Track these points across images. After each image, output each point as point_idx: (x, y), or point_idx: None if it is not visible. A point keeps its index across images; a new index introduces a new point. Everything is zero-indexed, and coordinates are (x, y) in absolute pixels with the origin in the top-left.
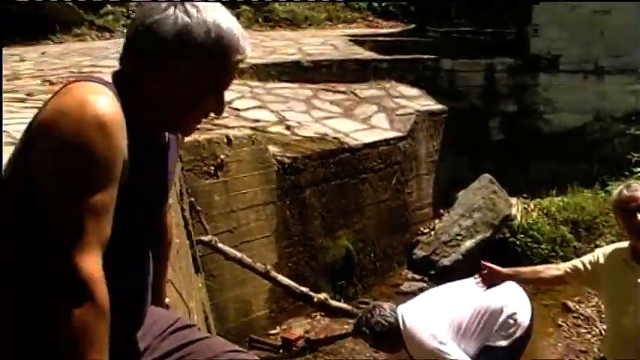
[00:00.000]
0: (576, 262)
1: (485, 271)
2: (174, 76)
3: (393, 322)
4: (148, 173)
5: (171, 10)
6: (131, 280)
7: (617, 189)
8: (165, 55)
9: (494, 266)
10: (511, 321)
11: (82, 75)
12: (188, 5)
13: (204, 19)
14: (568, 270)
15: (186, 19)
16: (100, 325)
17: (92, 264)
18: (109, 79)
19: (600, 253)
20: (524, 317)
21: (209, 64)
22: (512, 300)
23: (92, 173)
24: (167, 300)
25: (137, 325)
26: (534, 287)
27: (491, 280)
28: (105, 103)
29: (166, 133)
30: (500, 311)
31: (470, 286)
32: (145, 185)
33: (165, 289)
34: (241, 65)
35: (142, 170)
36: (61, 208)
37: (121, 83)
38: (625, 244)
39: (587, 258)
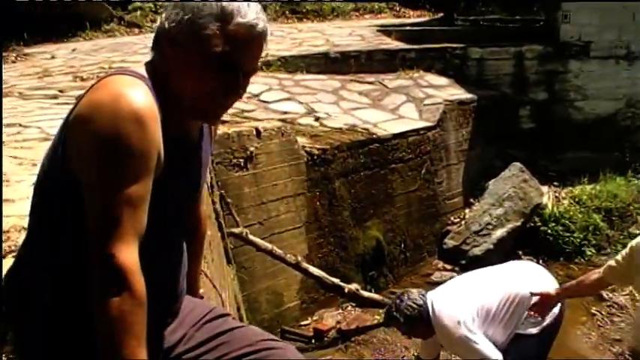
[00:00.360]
0: (611, 262)
1: (537, 299)
2: (179, 41)
3: (422, 306)
4: (182, 166)
5: None
6: (165, 271)
7: None
8: (169, 18)
9: (542, 291)
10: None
11: (117, 69)
12: None
13: None
14: (607, 270)
15: None
16: (137, 314)
17: (129, 254)
18: (143, 72)
19: (632, 246)
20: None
21: (207, 26)
22: (541, 286)
23: (128, 165)
24: (201, 290)
25: (173, 315)
26: (566, 275)
27: (545, 308)
28: (140, 96)
29: (200, 127)
30: (531, 298)
31: (499, 272)
32: (178, 178)
33: (199, 280)
34: (268, 58)
35: (176, 163)
36: (98, 200)
37: (153, 73)
38: None
39: (620, 255)
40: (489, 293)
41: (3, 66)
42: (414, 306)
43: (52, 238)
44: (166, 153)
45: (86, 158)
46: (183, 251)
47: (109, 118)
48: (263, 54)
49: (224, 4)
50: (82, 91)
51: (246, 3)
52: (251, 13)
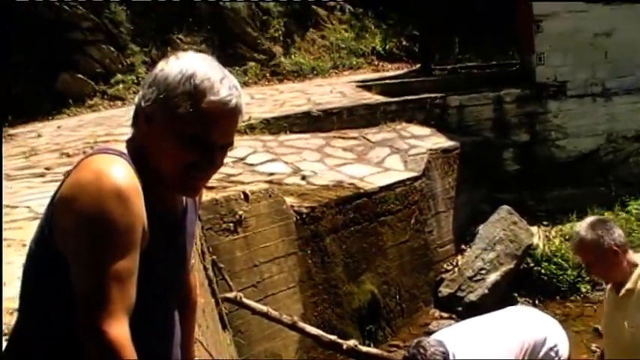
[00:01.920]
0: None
1: None
2: (154, 119)
3: (446, 353)
4: (168, 239)
5: (159, 66)
6: (158, 342)
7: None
8: (144, 96)
9: None
10: (552, 353)
11: (98, 147)
12: (172, 57)
13: (179, 63)
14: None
15: (164, 64)
16: None
17: (120, 329)
18: (123, 149)
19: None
20: (564, 349)
21: (180, 104)
22: (552, 331)
23: (114, 241)
24: (196, 359)
25: None
26: (563, 314)
27: None
28: (121, 173)
29: (184, 199)
30: (543, 343)
31: (508, 318)
32: (165, 250)
33: (193, 348)
34: (252, 121)
35: (161, 236)
36: (86, 278)
37: (133, 149)
38: None
39: None
40: (505, 342)
41: None
42: (439, 354)
43: (44, 317)
44: (151, 227)
45: (72, 237)
46: (175, 322)
47: (93, 197)
48: (246, 117)
49: (197, 81)
50: (69, 167)
51: (219, 78)
52: (224, 90)
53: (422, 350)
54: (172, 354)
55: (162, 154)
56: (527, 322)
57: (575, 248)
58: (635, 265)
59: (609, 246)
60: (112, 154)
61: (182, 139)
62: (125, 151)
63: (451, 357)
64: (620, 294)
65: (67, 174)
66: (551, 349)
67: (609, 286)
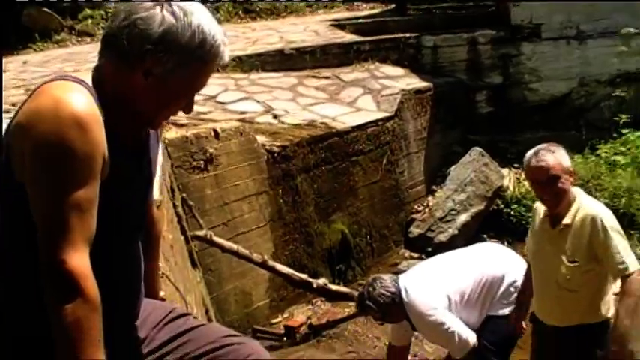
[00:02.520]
0: (527, 240)
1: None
2: (155, 74)
3: (395, 292)
4: (130, 168)
5: (157, 9)
6: (123, 274)
7: (527, 154)
8: (149, 52)
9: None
10: (512, 289)
11: (57, 75)
12: (175, 6)
13: (190, 22)
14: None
15: (172, 20)
16: (92, 320)
17: (80, 259)
18: (84, 76)
19: (533, 213)
20: None
21: (190, 67)
22: (512, 267)
23: (73, 170)
24: (162, 293)
25: (133, 317)
26: None
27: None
28: (80, 101)
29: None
30: (501, 280)
31: (470, 254)
32: (128, 179)
33: (158, 281)
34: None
35: (123, 165)
36: (46, 207)
37: (100, 79)
38: None
39: (529, 229)
40: (462, 277)
41: None
42: (387, 293)
43: (5, 247)
44: (112, 156)
45: (30, 165)
46: (139, 253)
47: (51, 124)
48: None
49: (208, 47)
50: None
51: (223, 40)
52: (226, 52)
53: (371, 289)
54: (135, 286)
55: (151, 103)
56: (488, 258)
57: (536, 168)
58: (573, 199)
59: (569, 165)
60: (71, 81)
61: (188, 93)
62: (85, 78)
63: (402, 291)
64: (557, 228)
65: (24, 102)
66: (510, 284)
67: (539, 219)
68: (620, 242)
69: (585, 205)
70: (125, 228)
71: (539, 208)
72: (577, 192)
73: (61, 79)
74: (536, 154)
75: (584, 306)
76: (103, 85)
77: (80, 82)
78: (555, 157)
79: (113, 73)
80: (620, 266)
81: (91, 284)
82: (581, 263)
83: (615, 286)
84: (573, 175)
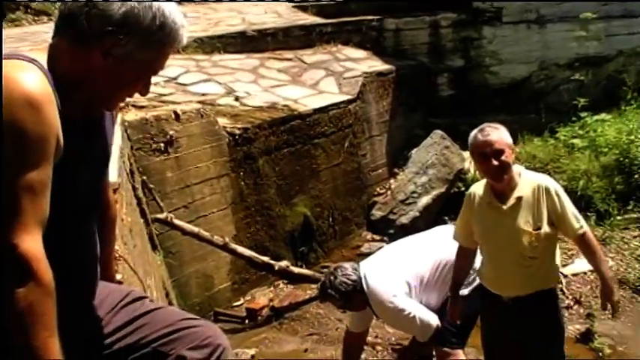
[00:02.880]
0: (458, 221)
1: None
2: (114, 55)
3: (356, 281)
4: (84, 149)
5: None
6: (77, 256)
7: (472, 132)
8: (109, 33)
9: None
10: (471, 270)
11: (8, 54)
12: None
13: (151, 5)
14: (460, 239)
15: (134, 1)
16: (45, 304)
17: (32, 243)
18: (37, 55)
19: (467, 198)
20: None
21: (149, 49)
22: None
23: (25, 152)
24: (119, 277)
25: (88, 301)
26: None
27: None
28: (32, 80)
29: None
30: None
31: (427, 239)
32: (81, 160)
33: (113, 264)
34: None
35: (77, 146)
36: None
37: (54, 58)
38: (482, 183)
39: (462, 210)
40: (420, 261)
41: None
42: (348, 282)
43: None
44: (66, 136)
45: None
46: (93, 235)
47: (2, 105)
48: None
49: (168, 30)
50: None
51: (182, 23)
52: (185, 35)
53: (332, 277)
54: (90, 269)
55: (108, 84)
56: (447, 241)
57: (483, 141)
58: (518, 176)
59: (510, 140)
60: (23, 60)
61: (146, 75)
62: (35, 57)
63: (363, 280)
64: (509, 203)
65: None
66: None
67: (482, 201)
68: (571, 206)
69: (531, 177)
70: (79, 210)
71: (476, 191)
72: (519, 168)
73: (12, 57)
74: (481, 130)
75: (544, 271)
76: (57, 64)
77: (32, 60)
78: (499, 133)
79: (69, 53)
80: (576, 225)
81: (44, 268)
82: (545, 229)
83: None
84: (514, 152)
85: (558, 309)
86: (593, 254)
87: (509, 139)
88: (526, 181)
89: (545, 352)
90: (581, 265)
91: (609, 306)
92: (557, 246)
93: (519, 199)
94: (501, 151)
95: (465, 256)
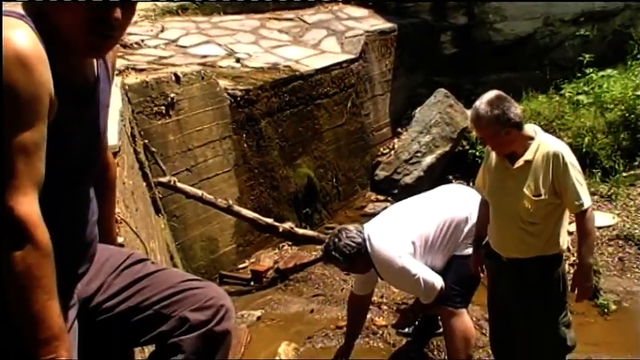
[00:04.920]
0: (479, 173)
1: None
2: None
3: (361, 243)
4: (78, 108)
5: None
6: (73, 218)
7: (474, 105)
8: None
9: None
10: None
11: None
12: None
13: None
14: (480, 190)
15: None
16: (43, 266)
17: (28, 205)
18: (22, 11)
19: (486, 151)
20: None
21: None
22: (476, 208)
23: (18, 112)
24: (121, 239)
25: (86, 263)
26: None
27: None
28: (22, 37)
29: (94, 68)
30: (466, 221)
31: (432, 198)
32: (76, 120)
33: (114, 226)
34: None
35: (71, 105)
36: None
37: (32, 10)
38: None
39: (482, 165)
40: (425, 221)
41: None
42: (352, 244)
43: None
44: (59, 96)
45: None
46: (90, 197)
47: (1, 64)
48: None
49: None
50: None
51: None
52: None
53: (336, 240)
54: (88, 232)
55: (59, 10)
56: (452, 200)
57: (473, 124)
58: (531, 137)
59: (503, 126)
60: (11, 17)
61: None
62: (24, 12)
63: (367, 243)
64: (517, 165)
65: None
66: (475, 225)
67: (496, 157)
68: (578, 179)
69: (545, 142)
70: (74, 172)
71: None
72: (535, 129)
73: (1, 14)
74: (475, 109)
75: (545, 238)
76: (35, 16)
77: (22, 17)
78: (489, 119)
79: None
80: (577, 202)
81: (41, 231)
82: (545, 197)
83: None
84: (517, 125)
85: (559, 276)
86: (583, 237)
87: (504, 118)
88: (539, 145)
89: (542, 317)
90: None
91: (577, 290)
92: (567, 214)
93: (528, 162)
94: (492, 136)
95: (485, 209)
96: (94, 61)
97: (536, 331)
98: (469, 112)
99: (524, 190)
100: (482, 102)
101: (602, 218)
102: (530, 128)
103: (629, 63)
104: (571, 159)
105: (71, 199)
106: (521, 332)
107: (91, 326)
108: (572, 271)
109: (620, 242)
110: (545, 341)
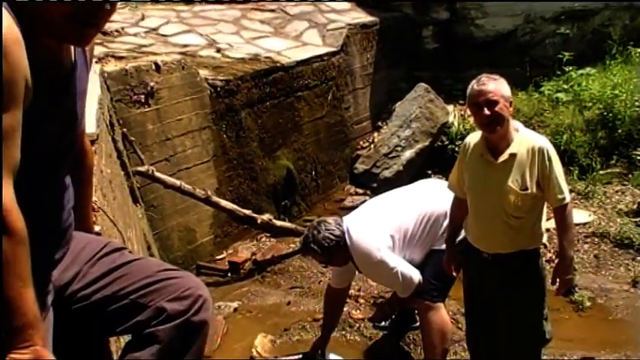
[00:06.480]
0: (453, 171)
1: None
2: None
3: (340, 236)
4: (55, 94)
5: None
6: (49, 204)
7: (471, 83)
8: None
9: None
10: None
11: None
12: None
13: None
14: (454, 189)
15: None
16: (18, 253)
17: (2, 191)
18: None
19: (462, 148)
20: None
21: None
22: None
23: None
24: (98, 228)
25: (61, 250)
26: None
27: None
28: None
29: (72, 54)
30: (445, 215)
31: (411, 192)
32: (52, 106)
33: (91, 214)
34: None
35: (47, 90)
36: None
37: None
38: (478, 134)
39: (457, 159)
40: (405, 215)
41: None
42: (331, 237)
43: None
44: (35, 79)
45: None
46: (65, 184)
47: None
48: None
49: None
50: None
51: None
52: None
53: (315, 232)
54: (63, 218)
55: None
56: (431, 194)
57: (479, 91)
58: (515, 131)
59: (508, 91)
60: None
61: None
62: None
63: (346, 236)
64: (501, 159)
65: None
66: None
67: (475, 153)
68: (560, 173)
69: (529, 136)
70: (49, 158)
71: (471, 141)
72: (517, 124)
73: None
74: (478, 80)
75: (527, 231)
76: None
77: None
78: (496, 83)
79: None
80: (560, 196)
81: (16, 217)
82: (531, 191)
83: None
84: (512, 106)
85: (539, 270)
86: (565, 230)
87: (506, 91)
88: (523, 139)
89: (523, 306)
90: None
91: (558, 282)
92: (545, 209)
93: (513, 155)
94: (495, 102)
95: (459, 206)
96: (72, 47)
97: (516, 320)
98: (449, 107)
99: (510, 183)
100: (482, 75)
101: (579, 215)
102: (513, 123)
103: (607, 62)
104: (554, 154)
105: (46, 186)
106: (500, 323)
107: (67, 315)
108: (548, 267)
109: (596, 240)
110: (525, 331)
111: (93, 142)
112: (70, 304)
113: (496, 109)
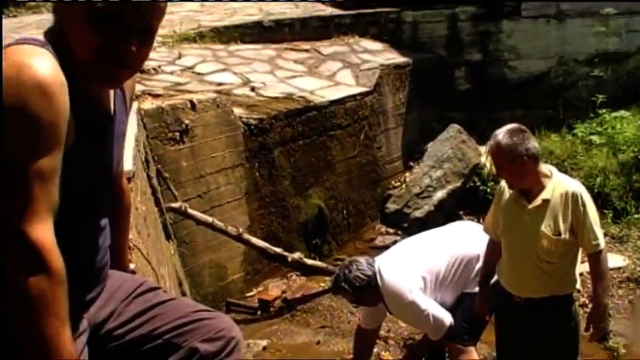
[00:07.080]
0: (489, 214)
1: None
2: (68, 4)
3: (371, 276)
4: (94, 136)
5: None
6: (86, 244)
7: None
8: None
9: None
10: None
11: (18, 38)
12: None
13: None
14: (490, 232)
15: None
16: (57, 293)
17: (43, 231)
18: (44, 39)
19: (498, 191)
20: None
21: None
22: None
23: (36, 138)
24: (133, 266)
25: (97, 288)
26: None
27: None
28: (43, 65)
29: (111, 98)
30: (477, 258)
31: (445, 234)
32: (92, 148)
33: (127, 253)
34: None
35: (87, 133)
36: (8, 177)
37: (55, 38)
38: None
39: (493, 202)
40: (437, 257)
41: None
42: (363, 277)
43: None
44: (76, 123)
45: None
46: (102, 224)
47: (14, 92)
48: (195, 25)
49: None
50: None
51: None
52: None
53: (347, 271)
54: (99, 258)
55: (72, 34)
56: (464, 237)
57: (490, 150)
58: (547, 176)
59: (520, 154)
60: (33, 45)
61: (89, 13)
62: (46, 40)
63: (377, 274)
64: (534, 204)
65: None
66: None
67: (511, 196)
68: (594, 219)
69: (562, 181)
70: (87, 198)
71: (506, 185)
72: (551, 168)
73: (22, 42)
74: (494, 136)
75: (560, 277)
76: (57, 44)
77: (44, 45)
78: (511, 142)
79: (57, 23)
80: (594, 242)
81: (55, 256)
82: (565, 236)
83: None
84: (534, 157)
85: (572, 315)
86: (599, 277)
87: (522, 148)
88: (556, 184)
89: (555, 357)
90: None
91: (592, 329)
92: (580, 254)
93: (546, 201)
94: (499, 167)
95: (494, 249)
96: (112, 90)
97: None
98: (482, 149)
99: (543, 228)
100: (502, 130)
101: (613, 260)
102: (545, 167)
103: None
104: (588, 199)
105: (83, 225)
106: None
107: (102, 353)
108: (582, 312)
109: (631, 285)
110: None
111: (129, 180)
112: (105, 342)
113: (511, 168)
